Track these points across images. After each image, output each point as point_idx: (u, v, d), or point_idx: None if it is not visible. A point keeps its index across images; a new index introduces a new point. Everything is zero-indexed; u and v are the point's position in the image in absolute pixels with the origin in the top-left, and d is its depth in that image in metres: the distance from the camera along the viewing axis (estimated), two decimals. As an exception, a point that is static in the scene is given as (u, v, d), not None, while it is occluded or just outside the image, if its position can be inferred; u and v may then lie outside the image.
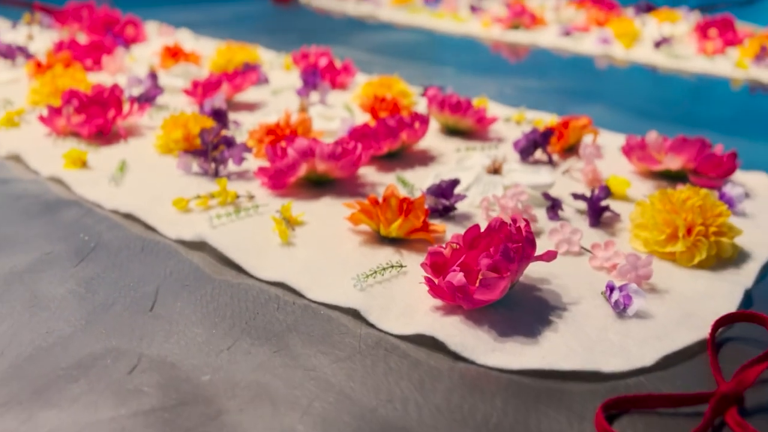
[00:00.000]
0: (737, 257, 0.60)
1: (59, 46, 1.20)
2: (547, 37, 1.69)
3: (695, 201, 0.60)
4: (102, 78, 1.13)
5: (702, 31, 1.66)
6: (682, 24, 1.83)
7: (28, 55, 1.21)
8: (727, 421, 0.41)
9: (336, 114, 0.96)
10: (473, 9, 1.92)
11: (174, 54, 1.19)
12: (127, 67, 1.19)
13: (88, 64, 1.17)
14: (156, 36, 1.49)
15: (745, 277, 0.57)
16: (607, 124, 0.98)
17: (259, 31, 1.69)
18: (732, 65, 1.42)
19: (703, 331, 0.49)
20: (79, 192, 0.70)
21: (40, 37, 1.43)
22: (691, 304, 0.52)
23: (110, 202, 0.67)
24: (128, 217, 0.65)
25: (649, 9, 2.04)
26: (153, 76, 1.01)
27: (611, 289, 0.51)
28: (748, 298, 0.55)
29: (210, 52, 1.35)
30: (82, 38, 1.35)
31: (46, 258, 0.57)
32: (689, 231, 0.59)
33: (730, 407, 0.42)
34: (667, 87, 1.36)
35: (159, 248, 0.60)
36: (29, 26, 1.53)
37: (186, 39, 1.48)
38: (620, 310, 0.51)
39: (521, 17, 1.75)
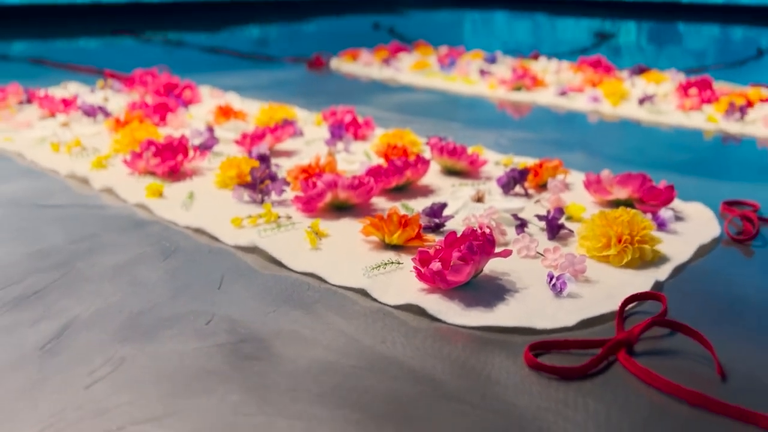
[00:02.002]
0: (658, 260, 0.77)
1: (133, 106, 1.42)
2: (545, 97, 1.88)
3: (624, 218, 0.77)
4: (167, 131, 1.34)
5: (684, 90, 1.84)
6: (667, 84, 2.01)
7: (106, 114, 1.44)
8: (618, 358, 0.57)
9: (357, 159, 1.15)
10: (482, 72, 2.13)
11: (226, 112, 1.41)
12: (186, 123, 1.41)
13: (155, 121, 1.39)
14: (209, 98, 1.72)
15: (661, 273, 0.74)
16: (584, 167, 1.15)
17: (296, 93, 1.92)
18: (704, 119, 1.59)
19: (617, 306, 0.65)
20: (159, 214, 0.90)
21: (114, 99, 1.67)
22: (614, 290, 0.69)
23: (183, 220, 0.87)
24: (197, 231, 0.84)
25: (641, 71, 2.22)
26: (210, 129, 1.22)
27: (551, 277, 0.69)
28: (661, 287, 0.72)
29: (254, 110, 1.57)
30: (149, 99, 1.57)
31: (140, 256, 0.76)
32: (619, 240, 0.76)
33: (621, 349, 0.58)
34: (644, 137, 1.53)
35: (222, 251, 0.78)
36: (103, 90, 1.77)
37: (234, 100, 1.71)
38: (557, 292, 0.67)
39: (523, 80, 1.94)
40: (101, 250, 0.78)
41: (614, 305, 0.65)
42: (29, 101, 1.57)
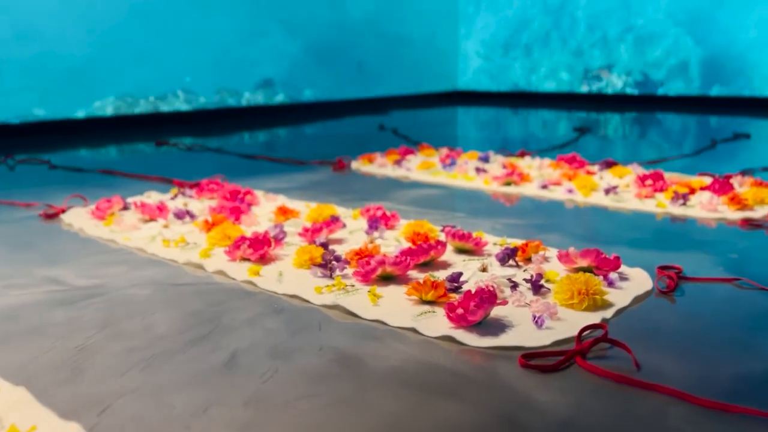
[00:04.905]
0: (606, 306, 1.11)
1: (215, 210, 1.80)
2: (530, 189, 2.26)
3: (583, 279, 1.12)
4: (243, 229, 1.70)
5: (642, 181, 2.22)
6: (630, 176, 2.40)
7: (192, 216, 1.80)
8: (576, 360, 0.91)
9: (391, 243, 1.51)
10: (478, 170, 2.52)
11: (284, 212, 1.78)
12: (256, 222, 1.77)
13: (231, 220, 1.75)
14: (264, 200, 2.10)
15: (607, 313, 1.07)
16: (558, 245, 1.50)
17: (329, 192, 2.29)
18: (655, 205, 1.96)
19: (576, 332, 0.99)
20: (262, 286, 1.24)
21: (191, 204, 2.04)
22: (576, 324, 1.03)
23: (281, 290, 1.21)
24: (293, 296, 1.19)
25: (609, 165, 2.61)
26: (280, 225, 1.58)
27: (534, 317, 1.02)
28: (607, 322, 1.05)
29: (301, 208, 1.93)
30: (223, 203, 1.94)
31: (260, 314, 1.10)
32: (579, 293, 1.10)
33: (578, 355, 0.91)
34: (608, 221, 1.89)
35: (313, 309, 1.12)
36: (176, 197, 2.14)
37: (285, 201, 2.08)
38: (539, 326, 1.01)
39: (512, 176, 2.33)
40: (232, 311, 1.12)
41: (574, 332, 0.99)
42: (125, 208, 1.94)
